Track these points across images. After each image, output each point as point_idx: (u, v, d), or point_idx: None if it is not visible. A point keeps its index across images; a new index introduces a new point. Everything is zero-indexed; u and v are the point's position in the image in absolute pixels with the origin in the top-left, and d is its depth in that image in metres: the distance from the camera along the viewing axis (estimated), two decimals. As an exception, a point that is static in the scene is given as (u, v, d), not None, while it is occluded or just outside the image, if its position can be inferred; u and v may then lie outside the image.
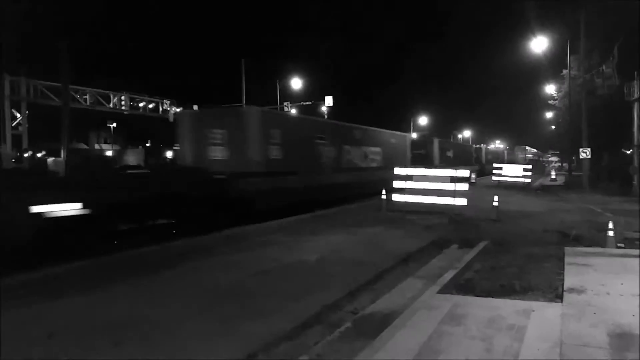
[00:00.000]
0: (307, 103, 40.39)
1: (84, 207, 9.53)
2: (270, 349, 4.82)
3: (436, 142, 37.21)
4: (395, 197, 15.64)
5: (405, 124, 66.56)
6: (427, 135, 48.75)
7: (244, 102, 37.39)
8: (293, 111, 41.69)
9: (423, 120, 76.68)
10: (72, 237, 9.31)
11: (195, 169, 14.46)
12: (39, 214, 8.82)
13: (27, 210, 8.67)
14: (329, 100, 38.27)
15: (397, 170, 16.01)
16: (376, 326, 5.25)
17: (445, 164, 33.69)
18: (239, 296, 6.51)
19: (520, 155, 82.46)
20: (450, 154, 40.88)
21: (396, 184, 15.67)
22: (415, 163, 27.51)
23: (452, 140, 66.89)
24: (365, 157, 23.21)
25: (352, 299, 6.54)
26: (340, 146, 20.66)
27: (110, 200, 10.09)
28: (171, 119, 33.38)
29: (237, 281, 7.24)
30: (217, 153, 15.28)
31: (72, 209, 9.37)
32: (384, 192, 16.23)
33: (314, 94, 47.13)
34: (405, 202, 15.36)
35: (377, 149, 24.38)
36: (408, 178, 15.58)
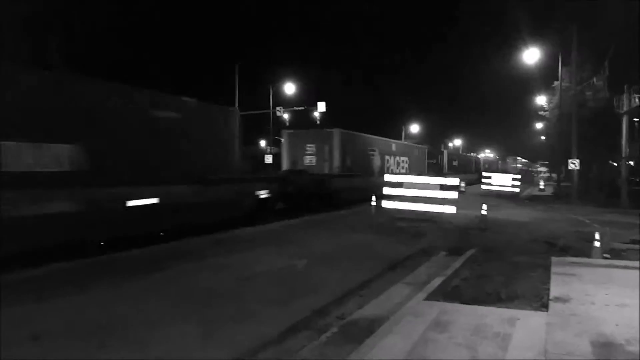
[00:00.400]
0: (300, 108, 40.36)
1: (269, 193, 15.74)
2: (257, 353, 4.82)
3: (445, 153, 43.71)
4: (385, 204, 15.67)
5: (396, 131, 66.75)
6: (438, 148, 53.47)
7: (237, 105, 37.34)
8: (285, 116, 41.69)
9: (414, 128, 76.84)
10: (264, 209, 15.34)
11: (303, 171, 20.20)
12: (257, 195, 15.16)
13: (254, 193, 15.00)
14: (321, 107, 38.26)
15: (387, 177, 16.06)
16: (363, 332, 5.27)
17: (452, 171, 40.24)
18: (226, 299, 6.50)
19: (512, 165, 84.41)
20: (455, 163, 48.32)
21: (386, 190, 15.69)
22: (429, 171, 34.59)
23: (442, 148, 69.58)
24: (398, 165, 30.19)
25: (340, 304, 6.55)
26: (383, 156, 27.45)
27: (280, 190, 16.76)
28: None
29: (225, 284, 7.23)
30: (310, 161, 22.27)
31: (266, 194, 15.58)
32: (373, 198, 16.27)
33: (309, 99, 47.34)
34: (395, 209, 15.40)
35: (405, 158, 31.58)
36: (398, 185, 15.62)
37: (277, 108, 40.35)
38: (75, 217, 9.09)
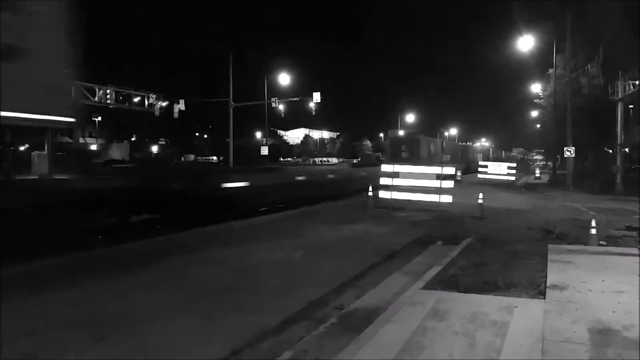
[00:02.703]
0: (295, 99, 40.21)
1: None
2: (255, 344, 4.83)
3: (424, 140, 45.11)
4: (382, 194, 15.66)
5: (393, 120, 66.91)
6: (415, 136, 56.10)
7: (231, 96, 37.23)
8: (281, 107, 41.54)
9: (410, 118, 76.78)
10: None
11: None
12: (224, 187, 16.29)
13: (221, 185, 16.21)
14: (316, 97, 38.11)
15: (384, 167, 16.04)
16: (361, 321, 5.28)
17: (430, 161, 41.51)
18: (225, 291, 6.50)
19: (512, 154, 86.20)
20: (472, 156, 60.02)
21: (383, 180, 15.67)
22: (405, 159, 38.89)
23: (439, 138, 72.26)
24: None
25: (338, 294, 6.56)
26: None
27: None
28: (157, 113, 33.11)
29: (223, 276, 7.24)
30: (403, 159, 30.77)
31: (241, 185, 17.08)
32: (370, 188, 16.28)
33: (302, 90, 47.14)
34: (392, 199, 15.39)
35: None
36: (395, 175, 15.60)
37: (272, 99, 40.18)
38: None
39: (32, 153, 14.95)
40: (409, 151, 37.48)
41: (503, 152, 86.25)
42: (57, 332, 5.00)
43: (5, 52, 10.16)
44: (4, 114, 10.38)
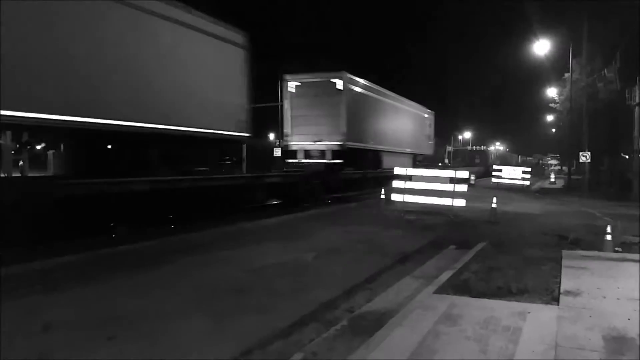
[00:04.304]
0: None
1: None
2: (265, 345, 4.82)
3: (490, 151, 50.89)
4: (394, 197, 15.61)
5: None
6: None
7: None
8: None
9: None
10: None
11: None
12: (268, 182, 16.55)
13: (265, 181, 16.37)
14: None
15: (397, 170, 15.98)
16: (372, 325, 5.26)
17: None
18: (235, 292, 6.51)
19: (529, 158, 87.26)
20: (498, 161, 61.80)
21: (395, 183, 15.62)
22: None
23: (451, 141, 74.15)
24: None
25: (349, 297, 6.54)
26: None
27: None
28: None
29: (233, 277, 7.25)
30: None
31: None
32: (382, 191, 16.22)
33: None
34: (404, 202, 15.34)
35: None
36: (407, 178, 15.54)
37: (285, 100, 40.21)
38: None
39: (48, 152, 15.07)
40: (480, 159, 58.22)
41: (520, 156, 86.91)
42: (71, 328, 5.05)
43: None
44: (208, 131, 13.41)
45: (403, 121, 28.94)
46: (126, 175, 10.88)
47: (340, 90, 20.09)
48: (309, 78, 20.80)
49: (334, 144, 20.44)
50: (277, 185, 17.21)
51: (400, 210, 14.99)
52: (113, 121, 10.40)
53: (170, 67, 12.09)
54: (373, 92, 23.85)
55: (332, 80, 20.24)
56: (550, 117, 53.52)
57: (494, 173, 33.13)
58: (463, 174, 15.36)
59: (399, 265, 8.48)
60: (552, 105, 40.81)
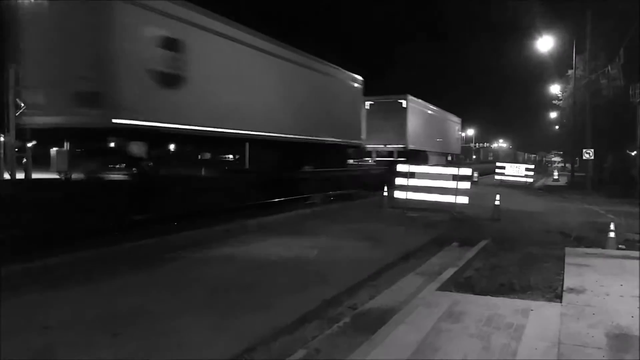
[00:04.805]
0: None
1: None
2: (269, 342, 4.84)
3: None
4: (397, 194, 15.60)
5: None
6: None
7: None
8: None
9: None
10: None
11: None
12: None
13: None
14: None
15: (400, 167, 15.96)
16: (375, 322, 5.26)
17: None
18: (238, 289, 6.53)
19: (532, 156, 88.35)
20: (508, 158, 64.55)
21: (398, 180, 15.60)
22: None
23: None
24: None
25: (352, 294, 6.55)
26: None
27: None
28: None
29: (236, 274, 7.27)
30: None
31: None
32: (385, 188, 16.22)
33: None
34: (407, 199, 15.32)
35: None
36: (410, 175, 15.53)
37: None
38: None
39: (51, 149, 15.08)
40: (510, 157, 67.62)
41: (526, 154, 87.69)
42: (74, 325, 5.07)
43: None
44: (343, 140, 20.84)
45: (441, 127, 36.53)
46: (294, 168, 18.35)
47: (404, 107, 27.27)
48: (381, 99, 27.35)
49: (399, 146, 27.25)
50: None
51: (402, 208, 14.98)
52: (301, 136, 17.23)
53: (323, 101, 18.66)
54: (423, 107, 31.26)
55: (399, 100, 27.32)
56: (553, 114, 53.41)
57: (497, 170, 33.04)
58: (466, 171, 15.34)
59: (402, 262, 8.48)
60: (555, 102, 40.75)
